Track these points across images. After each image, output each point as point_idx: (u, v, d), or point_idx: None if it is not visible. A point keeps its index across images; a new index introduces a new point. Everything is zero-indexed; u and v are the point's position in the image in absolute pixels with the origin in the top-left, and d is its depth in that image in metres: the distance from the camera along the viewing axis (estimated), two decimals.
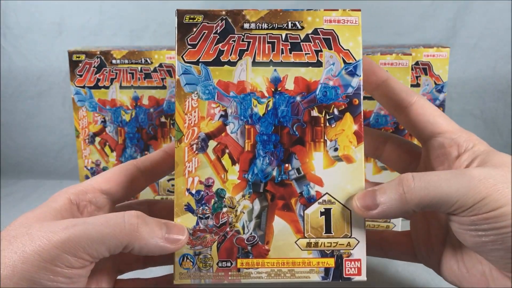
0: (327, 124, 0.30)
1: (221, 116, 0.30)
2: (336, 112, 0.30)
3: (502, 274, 0.27)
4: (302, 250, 0.29)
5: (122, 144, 0.53)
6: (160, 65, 0.51)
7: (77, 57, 0.52)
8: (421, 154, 0.32)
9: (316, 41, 0.30)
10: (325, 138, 0.30)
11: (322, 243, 0.29)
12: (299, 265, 0.29)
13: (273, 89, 0.30)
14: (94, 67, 0.52)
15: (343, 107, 0.30)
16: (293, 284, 0.29)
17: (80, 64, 0.52)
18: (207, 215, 0.30)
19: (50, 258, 0.23)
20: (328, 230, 0.29)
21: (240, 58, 0.30)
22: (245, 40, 0.30)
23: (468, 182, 0.24)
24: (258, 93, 0.30)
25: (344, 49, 0.30)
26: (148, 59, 0.51)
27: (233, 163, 0.30)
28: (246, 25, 0.30)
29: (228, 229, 0.30)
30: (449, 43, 0.70)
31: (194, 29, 0.30)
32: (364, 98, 0.46)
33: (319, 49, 0.30)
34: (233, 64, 0.30)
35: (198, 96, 0.30)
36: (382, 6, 0.71)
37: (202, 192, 0.30)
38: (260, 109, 0.30)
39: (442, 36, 0.71)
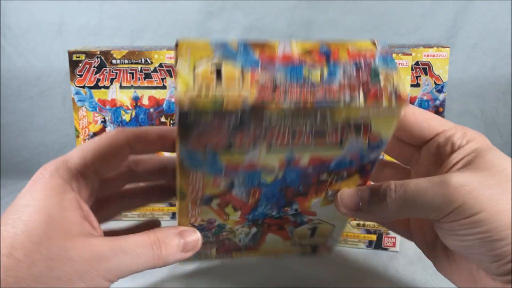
0: (333, 183, 0.29)
1: (227, 185, 0.28)
2: (345, 174, 0.28)
3: (487, 274, 0.27)
4: (287, 246, 0.37)
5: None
6: (160, 65, 0.51)
7: (77, 57, 0.52)
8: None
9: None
10: (327, 190, 0.30)
11: (303, 240, 0.36)
12: (283, 251, 0.38)
13: (285, 166, 0.27)
14: (94, 67, 0.52)
15: (354, 171, 0.28)
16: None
17: (80, 64, 0.52)
18: (208, 235, 0.33)
19: (81, 273, 0.24)
20: (312, 234, 0.35)
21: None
22: None
23: (444, 191, 0.24)
24: (268, 169, 0.27)
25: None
26: (148, 59, 0.51)
27: (235, 210, 0.30)
28: None
29: (226, 242, 0.35)
30: (449, 43, 0.70)
31: None
32: None
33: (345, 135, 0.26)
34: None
35: (202, 171, 0.26)
36: (382, 6, 0.71)
37: (204, 225, 0.31)
38: (269, 180, 0.28)
39: (442, 36, 0.71)
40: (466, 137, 0.27)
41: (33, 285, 0.22)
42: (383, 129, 0.25)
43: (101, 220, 0.29)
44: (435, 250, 0.30)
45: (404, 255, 0.47)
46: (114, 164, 0.30)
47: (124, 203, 0.34)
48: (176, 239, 0.28)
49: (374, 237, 0.48)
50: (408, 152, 0.31)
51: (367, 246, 0.49)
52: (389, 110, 0.24)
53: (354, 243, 0.49)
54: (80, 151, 0.28)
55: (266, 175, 0.27)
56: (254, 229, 0.33)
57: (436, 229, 0.27)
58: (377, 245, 0.48)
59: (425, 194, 0.25)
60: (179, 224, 0.30)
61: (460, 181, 0.24)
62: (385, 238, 0.48)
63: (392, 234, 0.48)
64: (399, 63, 0.45)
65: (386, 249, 0.48)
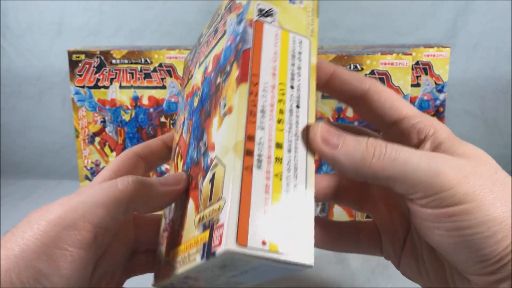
0: (222, 85, 0.24)
1: (182, 123, 0.31)
2: (228, 68, 0.24)
3: (463, 278, 0.25)
4: (195, 228, 0.23)
5: (122, 144, 0.53)
6: (160, 65, 0.51)
7: (76, 57, 0.51)
8: None
9: None
10: (220, 101, 0.24)
11: (205, 214, 0.22)
12: (193, 246, 0.23)
13: (202, 79, 0.28)
14: (94, 67, 0.51)
15: (232, 60, 0.24)
16: (192, 268, 0.23)
17: (79, 64, 0.51)
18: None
19: (50, 239, 0.22)
20: (210, 197, 0.22)
21: None
22: None
23: (440, 166, 0.22)
24: (197, 89, 0.29)
25: None
26: (148, 59, 0.51)
27: (181, 159, 0.28)
28: None
29: (170, 223, 0.28)
30: (449, 43, 0.70)
31: None
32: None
33: None
34: None
35: (179, 113, 0.33)
36: (382, 6, 0.71)
37: None
38: (195, 103, 0.28)
39: (442, 36, 0.71)
40: (432, 126, 0.25)
41: (3, 251, 0.22)
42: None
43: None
44: (403, 250, 0.28)
45: None
46: (134, 174, 0.31)
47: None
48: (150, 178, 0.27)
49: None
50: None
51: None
52: None
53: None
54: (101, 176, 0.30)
55: (196, 98, 0.28)
56: (184, 194, 0.27)
57: (416, 220, 0.24)
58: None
59: (417, 166, 0.22)
60: None
61: (457, 163, 0.22)
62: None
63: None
64: (400, 63, 0.45)
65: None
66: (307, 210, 0.20)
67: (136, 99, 0.52)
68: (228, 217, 0.19)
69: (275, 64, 0.22)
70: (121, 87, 0.52)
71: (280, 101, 0.21)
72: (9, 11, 0.75)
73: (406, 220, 0.29)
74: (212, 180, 0.22)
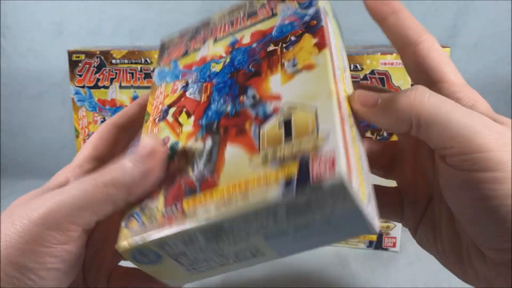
0: (284, 51, 0.26)
1: (183, 87, 0.30)
2: (292, 38, 0.27)
3: (479, 253, 0.24)
4: (256, 167, 0.22)
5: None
6: None
7: (76, 57, 0.51)
8: None
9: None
10: (282, 62, 0.26)
11: (280, 151, 0.22)
12: (253, 184, 0.21)
13: (231, 49, 0.30)
14: (93, 67, 0.51)
15: (300, 32, 0.27)
16: (247, 211, 0.21)
17: (79, 64, 0.52)
18: None
19: (32, 238, 0.22)
20: (288, 135, 0.22)
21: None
22: None
23: (482, 126, 0.21)
24: (216, 58, 0.30)
25: None
26: (148, 59, 0.51)
27: (189, 116, 0.28)
28: None
29: (177, 177, 0.25)
30: (449, 43, 0.70)
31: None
32: None
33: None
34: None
35: (165, 82, 0.32)
36: None
37: None
38: (218, 68, 0.29)
39: (442, 36, 0.71)
40: (473, 99, 0.25)
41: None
42: None
43: None
44: (422, 219, 0.28)
45: (404, 255, 0.47)
46: (117, 146, 0.31)
47: None
48: (123, 157, 0.25)
49: (374, 237, 0.48)
50: None
51: (367, 246, 0.48)
52: None
53: (354, 243, 0.49)
54: (81, 151, 0.29)
55: (215, 64, 0.30)
56: (209, 143, 0.25)
57: (443, 183, 0.24)
58: (377, 245, 0.48)
59: (460, 118, 0.21)
60: None
61: (499, 129, 0.22)
62: (385, 238, 0.48)
63: (392, 234, 0.48)
64: (400, 63, 0.45)
65: (386, 249, 0.48)
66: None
67: (136, 99, 0.52)
68: (338, 146, 0.19)
69: (333, 38, 0.27)
70: (121, 87, 0.52)
71: (339, 65, 0.26)
72: (9, 11, 0.75)
73: (430, 187, 0.28)
74: (286, 123, 0.23)
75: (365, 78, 0.45)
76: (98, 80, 0.52)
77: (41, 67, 0.76)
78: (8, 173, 0.72)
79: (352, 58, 0.45)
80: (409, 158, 0.30)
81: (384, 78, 0.45)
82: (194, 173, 0.24)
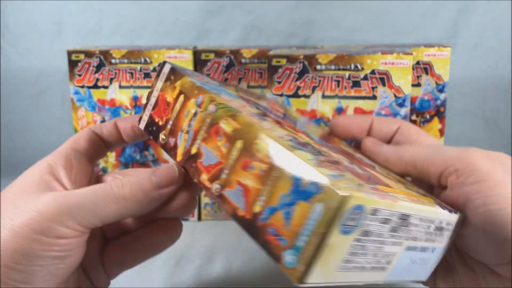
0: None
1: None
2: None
3: (493, 275, 0.26)
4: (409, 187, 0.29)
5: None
6: (159, 65, 0.51)
7: (76, 56, 0.51)
8: None
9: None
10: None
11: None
12: (417, 197, 0.26)
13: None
14: (93, 66, 0.51)
15: None
16: (429, 211, 0.25)
17: (79, 64, 0.51)
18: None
19: (41, 229, 0.23)
20: None
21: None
22: None
23: (468, 148, 0.26)
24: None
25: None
26: (147, 59, 0.51)
27: None
28: None
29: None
30: (450, 42, 0.70)
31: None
32: (365, 97, 0.46)
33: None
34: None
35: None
36: (383, 5, 0.71)
37: None
38: None
39: (443, 36, 0.71)
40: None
41: None
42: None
43: (119, 265, 0.30)
44: (437, 270, 0.30)
45: None
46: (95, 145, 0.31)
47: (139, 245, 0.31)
48: (144, 173, 0.26)
49: None
50: None
51: None
52: None
53: None
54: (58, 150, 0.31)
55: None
56: None
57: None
58: None
59: (447, 148, 0.26)
60: None
61: (484, 151, 0.26)
62: None
63: None
64: (400, 63, 0.44)
65: None
66: None
67: (135, 99, 0.52)
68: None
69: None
70: (120, 87, 0.52)
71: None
72: (9, 11, 0.75)
73: None
74: None
75: (365, 78, 0.45)
76: (97, 80, 0.52)
77: (40, 67, 0.76)
78: (7, 173, 0.72)
79: (352, 58, 0.45)
80: None
81: (384, 77, 0.45)
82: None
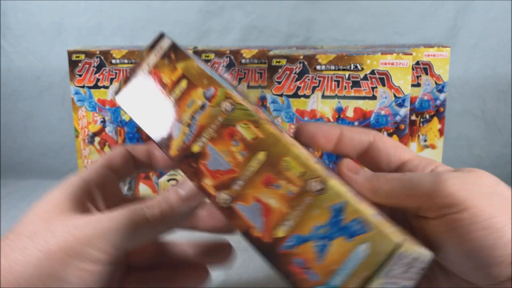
0: None
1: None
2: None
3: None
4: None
5: (122, 144, 0.53)
6: None
7: (76, 56, 0.51)
8: None
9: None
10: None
11: None
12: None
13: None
14: (93, 66, 0.51)
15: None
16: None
17: (79, 64, 0.51)
18: None
19: (76, 253, 0.23)
20: None
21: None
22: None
23: (443, 176, 0.24)
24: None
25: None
26: None
27: None
28: None
29: None
30: (449, 42, 0.70)
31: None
32: (364, 98, 0.46)
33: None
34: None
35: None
36: (382, 5, 0.71)
37: None
38: None
39: (442, 36, 0.71)
40: (433, 164, 0.28)
41: (20, 257, 0.23)
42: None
43: None
44: None
45: None
46: (125, 168, 0.31)
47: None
48: (173, 192, 0.27)
49: None
50: None
51: None
52: None
53: None
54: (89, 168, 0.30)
55: None
56: None
57: (432, 240, 0.26)
58: None
59: (421, 178, 0.24)
60: None
61: (459, 175, 0.24)
62: None
63: None
64: (400, 63, 0.44)
65: None
66: None
67: None
68: None
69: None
70: None
71: None
72: (9, 11, 0.75)
73: None
74: None
75: (365, 78, 0.45)
76: (98, 80, 0.52)
77: (41, 67, 0.76)
78: (8, 173, 0.72)
79: (352, 58, 0.45)
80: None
81: (384, 78, 0.45)
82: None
